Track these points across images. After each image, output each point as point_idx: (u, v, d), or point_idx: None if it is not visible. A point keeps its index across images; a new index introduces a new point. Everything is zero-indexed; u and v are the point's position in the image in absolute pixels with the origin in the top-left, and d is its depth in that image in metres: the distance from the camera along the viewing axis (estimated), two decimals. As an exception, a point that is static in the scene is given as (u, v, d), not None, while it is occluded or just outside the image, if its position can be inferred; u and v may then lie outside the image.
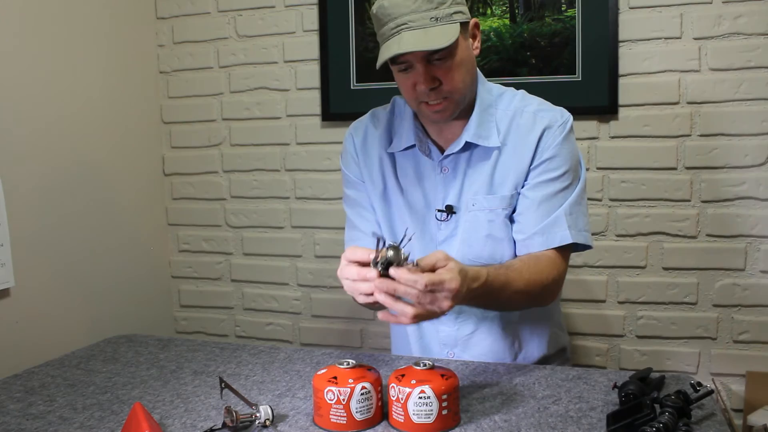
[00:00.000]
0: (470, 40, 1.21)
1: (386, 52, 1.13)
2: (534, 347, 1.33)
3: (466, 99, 1.23)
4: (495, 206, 1.24)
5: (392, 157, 1.32)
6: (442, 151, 1.28)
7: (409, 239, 1.01)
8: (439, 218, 1.28)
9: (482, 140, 1.23)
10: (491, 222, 1.25)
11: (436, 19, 1.11)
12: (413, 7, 1.11)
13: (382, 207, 1.34)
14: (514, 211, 1.25)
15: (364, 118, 1.38)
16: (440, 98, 1.18)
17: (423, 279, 0.94)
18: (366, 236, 1.34)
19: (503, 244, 1.25)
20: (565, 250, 1.23)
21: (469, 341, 1.31)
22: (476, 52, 1.23)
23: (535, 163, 1.23)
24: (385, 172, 1.32)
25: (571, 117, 1.26)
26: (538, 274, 1.17)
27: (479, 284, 1.04)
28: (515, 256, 1.26)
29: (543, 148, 1.22)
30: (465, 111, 1.25)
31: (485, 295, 1.07)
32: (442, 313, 0.99)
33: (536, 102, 1.27)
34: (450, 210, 1.27)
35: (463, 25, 1.16)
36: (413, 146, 1.29)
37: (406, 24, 1.11)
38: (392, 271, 0.95)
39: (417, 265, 0.97)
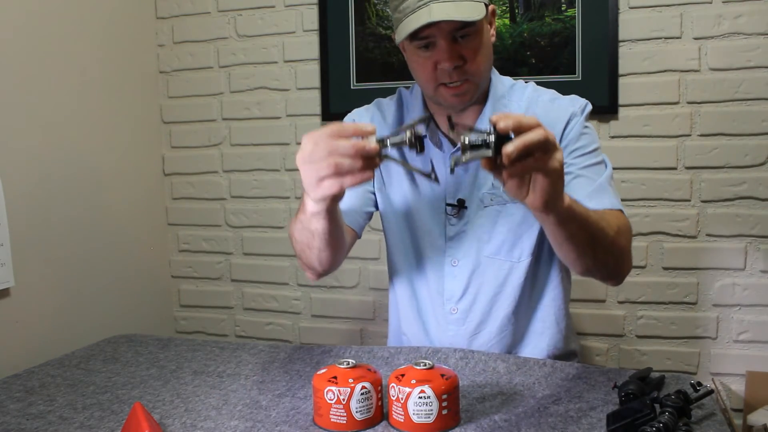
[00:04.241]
0: (488, 25, 1.17)
1: (414, 22, 1.06)
2: (538, 351, 1.28)
3: (484, 85, 1.20)
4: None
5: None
6: (453, 144, 1.23)
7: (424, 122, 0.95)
8: (449, 213, 1.23)
9: None
10: (511, 216, 1.21)
11: None
12: None
13: (384, 201, 1.30)
14: None
15: (370, 107, 1.34)
16: (462, 79, 1.13)
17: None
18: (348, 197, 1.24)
19: (523, 241, 1.22)
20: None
21: (472, 343, 1.27)
22: (493, 39, 1.19)
23: (564, 149, 1.16)
24: (390, 164, 1.28)
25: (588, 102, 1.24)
26: (609, 220, 1.08)
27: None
28: (533, 251, 1.21)
29: (568, 133, 1.19)
30: (478, 100, 1.21)
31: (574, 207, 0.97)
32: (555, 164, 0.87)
33: (549, 92, 1.25)
34: (461, 204, 1.22)
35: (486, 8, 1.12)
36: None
37: None
38: (502, 124, 0.81)
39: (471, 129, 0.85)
